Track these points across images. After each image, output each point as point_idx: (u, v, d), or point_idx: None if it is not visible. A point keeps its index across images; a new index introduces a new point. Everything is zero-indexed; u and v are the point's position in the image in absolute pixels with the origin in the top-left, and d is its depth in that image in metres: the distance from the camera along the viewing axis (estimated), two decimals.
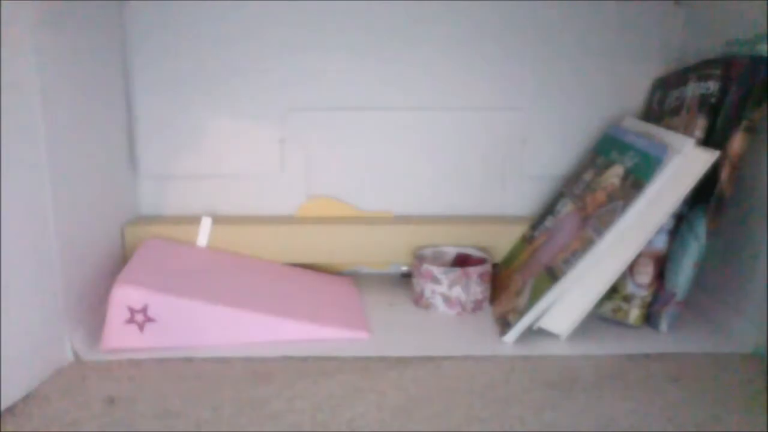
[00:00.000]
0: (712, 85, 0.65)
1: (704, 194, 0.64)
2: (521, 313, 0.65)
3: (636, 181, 0.63)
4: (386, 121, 0.82)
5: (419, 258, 0.76)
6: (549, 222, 0.76)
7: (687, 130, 0.66)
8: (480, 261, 0.77)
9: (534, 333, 0.66)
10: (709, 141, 0.64)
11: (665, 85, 0.77)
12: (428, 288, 0.73)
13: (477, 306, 0.74)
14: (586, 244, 0.63)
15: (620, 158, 0.69)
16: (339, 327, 0.67)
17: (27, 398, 0.55)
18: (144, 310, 0.62)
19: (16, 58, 0.54)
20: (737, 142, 0.62)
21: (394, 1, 0.78)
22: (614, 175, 0.67)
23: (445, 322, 0.71)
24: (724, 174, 0.63)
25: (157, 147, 0.81)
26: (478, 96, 0.82)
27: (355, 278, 0.84)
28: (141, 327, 0.62)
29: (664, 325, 0.68)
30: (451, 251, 0.80)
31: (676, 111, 0.71)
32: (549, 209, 0.78)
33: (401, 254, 0.81)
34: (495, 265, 0.79)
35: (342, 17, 0.79)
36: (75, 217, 0.64)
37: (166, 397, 0.55)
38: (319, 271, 0.82)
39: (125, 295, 0.61)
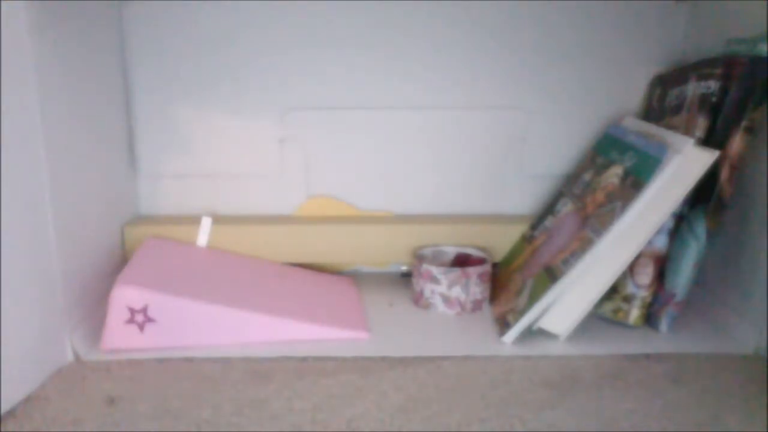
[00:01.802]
0: (713, 85, 0.65)
1: (704, 194, 0.64)
2: (520, 313, 0.65)
3: (635, 182, 0.63)
4: (386, 121, 0.82)
5: (419, 258, 0.76)
6: (549, 222, 0.76)
7: (688, 130, 0.66)
8: (480, 261, 0.77)
9: (534, 333, 0.66)
10: (709, 141, 0.64)
11: (665, 82, 0.77)
12: (428, 288, 0.73)
13: (476, 306, 0.74)
14: (586, 245, 0.63)
15: (620, 158, 0.69)
16: (339, 327, 0.67)
17: (27, 399, 0.55)
18: (144, 311, 0.62)
19: (15, 58, 0.54)
20: (737, 142, 0.62)
21: (394, 1, 0.78)
22: (614, 175, 0.67)
23: (445, 322, 0.71)
24: (724, 174, 0.63)
25: (157, 147, 0.81)
26: (478, 95, 0.82)
27: (355, 277, 0.84)
28: (141, 327, 0.62)
29: (664, 326, 0.68)
30: (451, 251, 0.80)
31: (676, 110, 0.71)
32: (549, 209, 0.78)
33: (401, 254, 0.81)
34: (495, 265, 0.79)
35: (342, 16, 0.78)
36: (75, 217, 0.64)
37: (166, 397, 0.55)
38: (319, 270, 0.82)
39: (125, 296, 0.61)
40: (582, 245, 0.64)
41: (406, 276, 0.83)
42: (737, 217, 0.68)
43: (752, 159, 0.65)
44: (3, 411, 0.52)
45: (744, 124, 0.62)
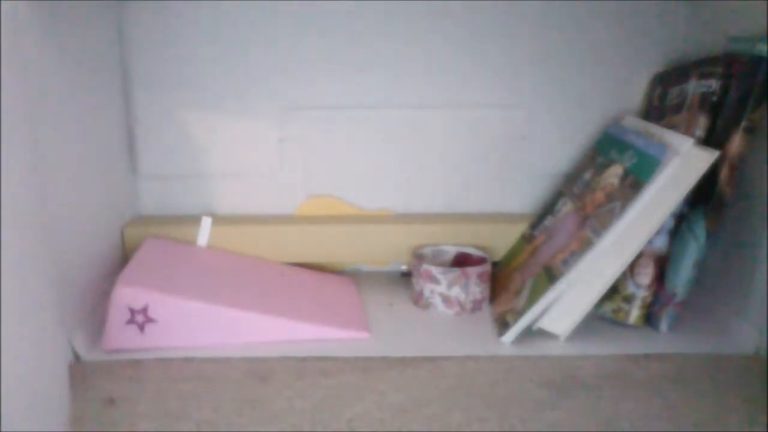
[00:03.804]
0: (714, 84, 0.65)
1: (704, 194, 0.64)
2: (519, 313, 0.65)
3: (635, 182, 0.63)
4: (386, 120, 0.82)
5: (418, 257, 0.76)
6: (548, 221, 0.76)
7: (688, 129, 0.66)
8: (480, 260, 0.77)
9: (534, 333, 0.66)
10: (710, 140, 0.64)
11: (666, 80, 0.77)
12: (427, 288, 0.73)
13: (476, 306, 0.74)
14: (585, 245, 0.63)
15: (620, 158, 0.69)
16: (339, 327, 0.67)
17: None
18: (144, 311, 0.62)
19: (14, 57, 0.54)
20: (737, 142, 0.62)
21: (395, 1, 0.78)
22: (613, 175, 0.67)
23: (445, 322, 0.71)
24: (724, 174, 0.63)
25: (157, 147, 0.81)
26: (478, 93, 0.82)
27: (355, 277, 0.83)
28: (141, 327, 0.62)
29: (664, 326, 0.68)
30: (451, 250, 0.80)
31: (677, 109, 0.71)
32: (549, 208, 0.78)
33: (401, 253, 0.81)
34: (495, 264, 0.79)
35: (342, 16, 0.78)
36: (74, 217, 0.64)
37: (166, 397, 0.55)
38: (319, 270, 0.82)
39: (125, 296, 0.61)
40: (581, 246, 0.64)
41: (407, 275, 0.83)
42: (737, 217, 0.68)
43: (752, 159, 0.64)
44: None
45: (744, 124, 0.62)
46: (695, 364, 0.62)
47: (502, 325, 0.67)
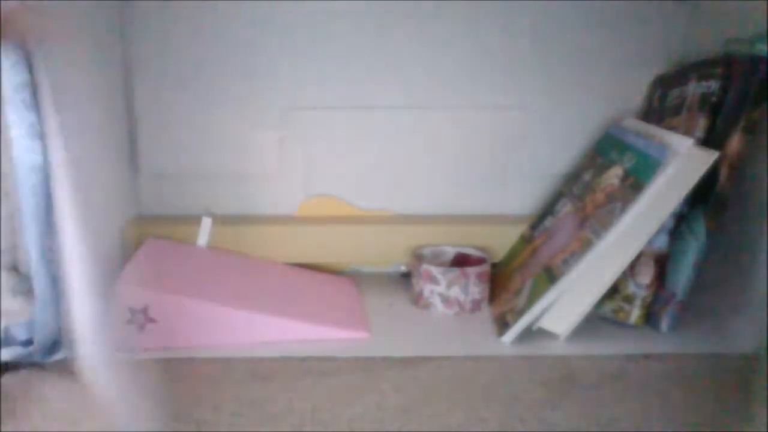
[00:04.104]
0: (713, 84, 0.65)
1: (704, 194, 0.64)
2: (520, 313, 0.65)
3: (635, 182, 0.63)
4: (386, 120, 0.82)
5: (418, 257, 0.76)
6: (548, 222, 0.76)
7: (688, 130, 0.66)
8: (479, 261, 0.77)
9: (534, 333, 0.66)
10: (709, 140, 0.64)
11: (666, 82, 0.77)
12: (427, 288, 0.73)
13: (475, 306, 0.74)
14: (585, 245, 0.63)
15: (620, 159, 0.69)
16: (339, 327, 0.67)
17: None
18: (144, 311, 0.62)
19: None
20: (736, 142, 0.62)
21: (394, 1, 0.78)
22: (614, 176, 0.67)
23: (444, 322, 0.71)
24: (723, 174, 0.63)
25: (158, 147, 0.81)
26: (478, 95, 0.82)
27: (355, 277, 0.83)
28: (141, 327, 0.62)
29: (664, 325, 0.68)
30: (451, 251, 0.80)
31: (676, 110, 0.71)
32: (548, 209, 0.78)
33: (401, 253, 0.81)
34: (494, 265, 0.79)
35: (341, 16, 0.78)
36: (75, 216, 0.64)
37: (166, 397, 0.55)
38: (319, 270, 0.82)
39: (125, 296, 0.61)
40: (581, 246, 0.64)
41: (406, 275, 0.83)
42: (737, 217, 0.68)
43: (752, 159, 0.65)
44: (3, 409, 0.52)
45: (743, 124, 0.62)
46: (695, 363, 0.62)
47: (502, 325, 0.67)
